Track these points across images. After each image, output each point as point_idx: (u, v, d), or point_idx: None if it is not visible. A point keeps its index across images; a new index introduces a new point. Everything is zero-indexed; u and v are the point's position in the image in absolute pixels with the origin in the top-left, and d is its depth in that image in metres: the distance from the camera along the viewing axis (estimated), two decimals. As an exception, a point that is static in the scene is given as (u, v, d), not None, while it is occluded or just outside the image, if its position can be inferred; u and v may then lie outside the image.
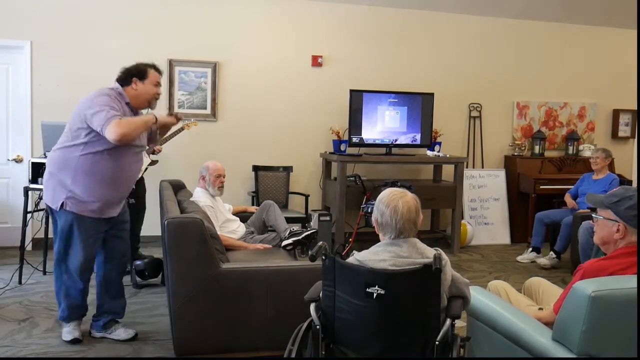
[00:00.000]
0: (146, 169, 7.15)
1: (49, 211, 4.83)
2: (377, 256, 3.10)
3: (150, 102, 4.92)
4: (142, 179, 7.15)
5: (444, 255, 3.03)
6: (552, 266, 7.85)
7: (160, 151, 7.34)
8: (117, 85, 4.81)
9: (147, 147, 7.16)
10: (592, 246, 5.70)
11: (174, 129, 6.82)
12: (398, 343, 3.01)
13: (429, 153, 8.93)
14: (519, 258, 8.32)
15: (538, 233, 8.25)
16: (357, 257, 3.14)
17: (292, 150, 8.96)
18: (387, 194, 3.22)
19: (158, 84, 4.94)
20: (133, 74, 4.81)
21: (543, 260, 7.94)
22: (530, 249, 8.30)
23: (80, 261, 4.76)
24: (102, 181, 4.66)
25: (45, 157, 6.30)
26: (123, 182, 4.84)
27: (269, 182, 8.66)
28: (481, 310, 3.63)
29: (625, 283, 3.00)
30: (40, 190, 6.34)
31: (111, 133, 4.38)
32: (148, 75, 4.84)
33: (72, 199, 4.63)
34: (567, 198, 8.25)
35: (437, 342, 2.96)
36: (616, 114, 10.39)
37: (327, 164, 8.95)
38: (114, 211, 4.89)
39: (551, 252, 7.96)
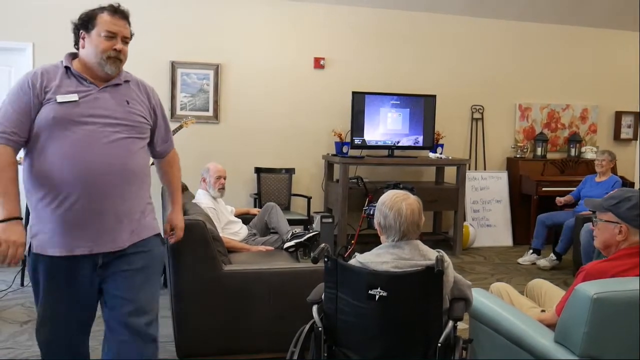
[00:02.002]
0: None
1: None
2: (379, 258, 3.10)
3: (102, 65, 3.21)
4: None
5: (446, 257, 3.03)
6: (552, 268, 7.86)
7: None
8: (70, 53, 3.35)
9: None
10: (594, 248, 5.70)
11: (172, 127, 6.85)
12: (400, 345, 3.01)
13: (431, 155, 8.93)
14: (519, 260, 8.31)
15: (539, 235, 8.25)
16: (359, 259, 3.14)
17: (294, 152, 8.96)
18: (389, 196, 3.22)
19: (111, 35, 3.26)
20: (78, 27, 3.39)
21: (543, 262, 7.95)
22: (531, 250, 8.30)
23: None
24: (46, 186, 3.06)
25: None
26: (89, 175, 3.04)
27: (271, 184, 8.66)
28: (483, 312, 3.63)
29: (627, 285, 3.00)
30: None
31: None
32: (96, 23, 3.30)
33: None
34: (566, 197, 8.25)
35: (439, 344, 2.96)
36: (618, 116, 10.39)
37: (329, 166, 8.95)
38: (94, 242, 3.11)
39: (552, 254, 7.96)
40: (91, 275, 3.13)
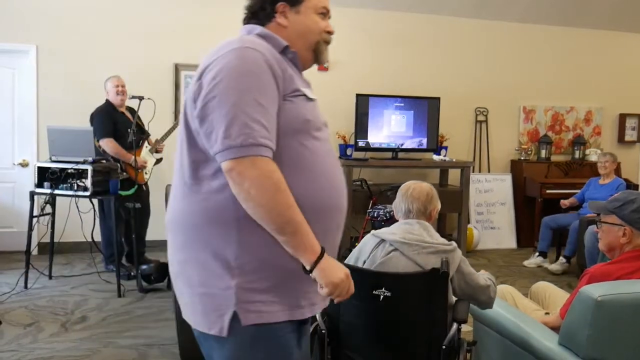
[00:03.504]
0: (151, 169, 7.20)
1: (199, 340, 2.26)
2: (390, 230, 3.27)
3: (320, 51, 2.41)
4: (145, 183, 7.18)
5: (458, 252, 3.09)
6: (563, 271, 7.84)
7: (162, 149, 7.37)
8: (251, 28, 2.37)
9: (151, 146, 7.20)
10: (599, 251, 5.70)
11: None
12: (404, 346, 3.01)
13: (435, 157, 8.93)
14: (525, 262, 8.30)
15: (544, 237, 8.24)
16: (374, 232, 3.33)
17: (297, 154, 8.94)
18: (405, 183, 3.48)
19: (325, 12, 2.42)
20: None
21: (554, 266, 7.90)
22: (537, 253, 8.29)
23: None
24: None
25: (52, 161, 6.32)
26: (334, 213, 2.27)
27: (275, 186, 8.66)
28: (487, 314, 3.64)
29: (631, 287, 3.00)
30: (46, 194, 6.36)
31: (240, 183, 2.00)
32: None
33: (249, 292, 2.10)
34: (570, 200, 8.25)
35: (443, 347, 2.97)
36: (622, 118, 10.38)
37: (333, 168, 8.92)
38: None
39: (561, 257, 7.94)
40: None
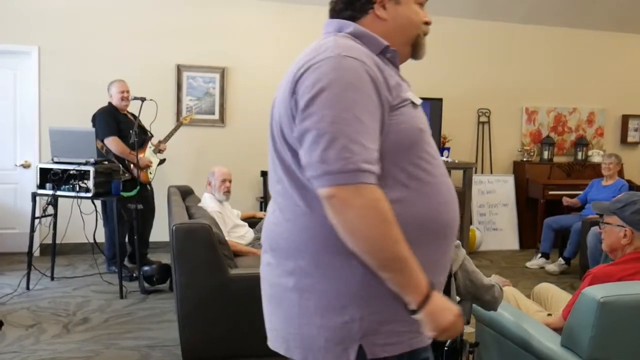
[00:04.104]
0: (155, 170, 7.22)
1: None
2: None
3: (419, 45, 2.17)
4: (149, 183, 7.19)
5: (462, 251, 3.08)
6: (560, 272, 7.85)
7: (165, 149, 7.38)
8: (341, 24, 2.07)
9: (154, 146, 7.23)
10: (601, 252, 5.71)
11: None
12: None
13: (438, 159, 8.91)
14: (527, 264, 8.31)
15: (547, 239, 8.24)
16: None
17: (299, 155, 8.94)
18: None
19: (423, 3, 2.15)
20: None
21: (551, 267, 7.93)
22: (539, 254, 8.29)
23: None
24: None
25: (54, 162, 6.33)
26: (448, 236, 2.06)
27: (277, 187, 8.67)
28: (490, 316, 3.64)
29: (634, 288, 3.01)
30: (48, 196, 6.37)
31: (342, 212, 1.79)
32: None
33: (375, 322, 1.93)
34: (572, 200, 8.26)
35: (445, 348, 2.97)
36: (625, 119, 10.38)
37: (335, 170, 8.92)
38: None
39: (560, 259, 7.95)
40: None
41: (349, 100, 1.80)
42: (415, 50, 2.16)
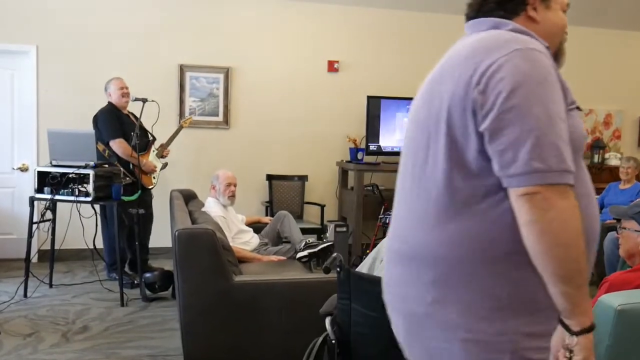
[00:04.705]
0: (158, 174, 7.24)
1: None
2: None
3: (563, 53, 2.17)
4: (151, 188, 7.21)
5: None
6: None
7: (168, 153, 7.40)
8: (497, 22, 2.03)
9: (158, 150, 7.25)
10: (618, 258, 5.70)
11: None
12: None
13: (450, 161, 8.90)
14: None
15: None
16: None
17: (307, 158, 8.99)
18: None
19: (567, 9, 2.18)
20: None
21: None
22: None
23: None
24: None
25: (53, 166, 6.34)
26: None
27: (284, 191, 8.69)
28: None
29: (653, 296, 3.01)
30: (46, 200, 6.38)
31: (546, 209, 1.72)
32: None
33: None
34: None
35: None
36: (644, 121, 10.38)
37: (343, 173, 8.97)
38: None
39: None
40: None
41: (547, 96, 1.77)
42: (558, 56, 2.13)
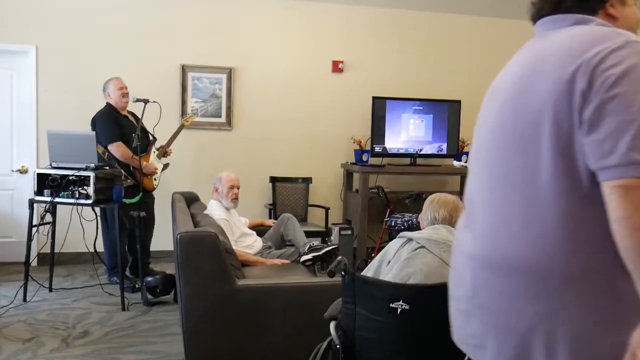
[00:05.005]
0: (159, 176, 7.24)
1: None
2: (419, 232, 3.41)
3: None
4: (152, 190, 7.21)
5: None
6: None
7: (171, 152, 7.41)
8: (580, 18, 2.06)
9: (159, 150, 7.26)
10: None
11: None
12: (423, 363, 3.02)
13: (456, 163, 8.91)
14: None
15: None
16: (400, 234, 3.45)
17: (311, 160, 8.99)
18: (431, 195, 3.70)
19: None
20: None
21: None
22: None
23: None
24: None
25: (52, 168, 6.34)
26: None
27: (287, 194, 8.69)
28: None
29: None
30: (46, 202, 6.38)
31: None
32: None
33: None
34: None
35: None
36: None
37: (348, 175, 8.96)
38: None
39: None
40: None
41: None
42: None
